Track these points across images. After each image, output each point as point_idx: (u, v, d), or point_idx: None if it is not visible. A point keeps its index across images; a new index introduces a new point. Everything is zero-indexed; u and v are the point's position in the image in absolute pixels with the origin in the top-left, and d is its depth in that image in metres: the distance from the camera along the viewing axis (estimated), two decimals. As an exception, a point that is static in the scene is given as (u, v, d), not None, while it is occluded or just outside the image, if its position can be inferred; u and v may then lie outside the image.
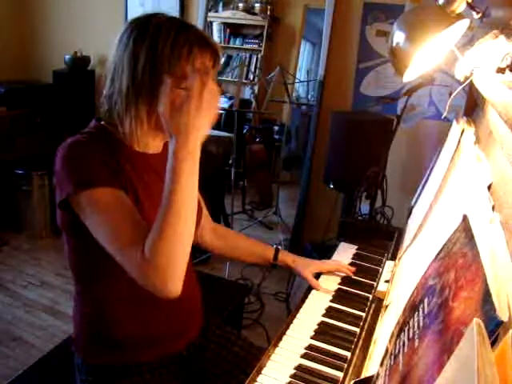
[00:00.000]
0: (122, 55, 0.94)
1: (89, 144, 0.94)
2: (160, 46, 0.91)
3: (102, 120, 1.02)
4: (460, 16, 0.97)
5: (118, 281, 1.02)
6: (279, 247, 1.38)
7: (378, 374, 0.79)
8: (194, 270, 1.22)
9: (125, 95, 0.94)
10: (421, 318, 0.68)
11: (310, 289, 1.30)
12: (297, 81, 3.31)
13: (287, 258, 1.36)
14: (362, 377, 0.88)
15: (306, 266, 1.34)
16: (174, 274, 0.84)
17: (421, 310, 0.69)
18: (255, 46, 3.49)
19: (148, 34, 0.92)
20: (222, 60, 3.62)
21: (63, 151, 0.92)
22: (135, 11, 3.18)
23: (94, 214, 0.90)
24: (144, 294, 1.05)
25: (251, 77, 3.53)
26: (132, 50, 0.93)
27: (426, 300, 0.70)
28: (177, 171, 0.84)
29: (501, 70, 1.02)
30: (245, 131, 3.31)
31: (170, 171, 0.85)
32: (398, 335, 0.76)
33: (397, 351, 0.72)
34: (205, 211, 1.28)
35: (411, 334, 0.68)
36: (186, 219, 0.85)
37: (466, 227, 0.70)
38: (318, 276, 1.35)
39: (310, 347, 1.05)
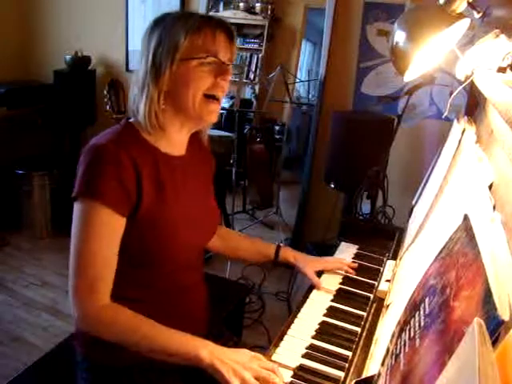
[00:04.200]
0: (142, 49, 1.01)
1: (112, 151, 0.95)
2: (171, 25, 0.98)
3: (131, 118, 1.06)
4: (461, 15, 0.97)
5: (129, 283, 1.02)
6: (280, 244, 1.37)
7: (379, 374, 0.79)
8: (203, 272, 1.22)
9: (141, 80, 1.00)
10: (422, 318, 0.68)
11: (311, 288, 1.30)
12: (297, 80, 3.31)
13: (289, 254, 1.36)
14: (363, 376, 0.88)
15: (307, 264, 1.33)
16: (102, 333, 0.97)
17: (422, 309, 0.69)
18: (256, 46, 3.49)
19: (164, 22, 0.99)
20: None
21: (87, 153, 0.96)
22: (136, 10, 3.17)
23: (79, 222, 0.95)
24: (151, 299, 1.06)
25: (252, 76, 3.53)
26: (147, 36, 1.00)
27: (426, 299, 0.69)
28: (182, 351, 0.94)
29: (502, 70, 1.02)
30: (245, 131, 3.31)
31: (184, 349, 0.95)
32: (399, 335, 0.75)
33: (398, 351, 0.72)
34: None
35: (412, 334, 0.68)
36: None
37: (466, 227, 0.70)
38: (319, 274, 1.35)
39: (311, 347, 1.05)
